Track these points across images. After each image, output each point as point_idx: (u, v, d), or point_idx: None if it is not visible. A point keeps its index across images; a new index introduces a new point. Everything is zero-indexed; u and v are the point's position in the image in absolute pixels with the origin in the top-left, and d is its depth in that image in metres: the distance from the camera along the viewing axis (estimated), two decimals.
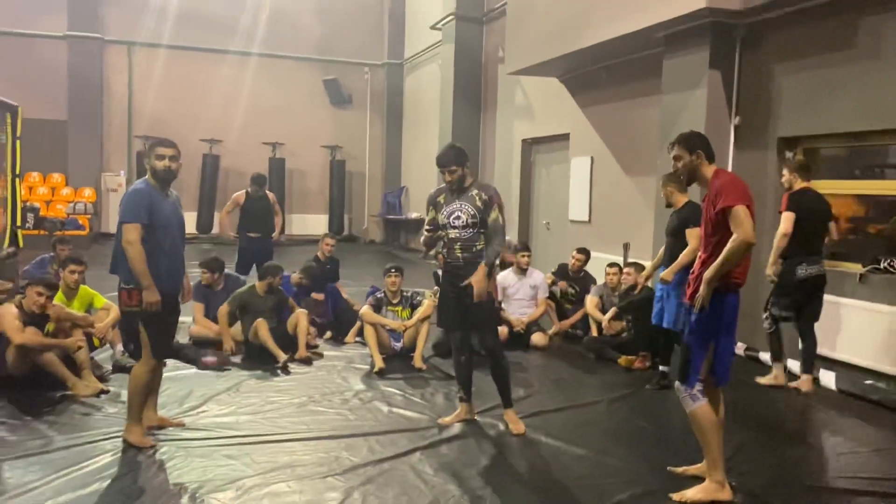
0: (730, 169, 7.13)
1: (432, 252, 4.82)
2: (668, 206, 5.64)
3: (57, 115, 15.66)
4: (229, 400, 5.08)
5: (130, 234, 3.94)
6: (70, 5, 16.08)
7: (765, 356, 6.53)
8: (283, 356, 6.02)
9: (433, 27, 14.52)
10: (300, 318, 6.44)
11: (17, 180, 8.97)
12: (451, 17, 13.64)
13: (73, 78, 16.03)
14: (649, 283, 6.63)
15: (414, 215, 16.83)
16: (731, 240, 3.39)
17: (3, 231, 8.92)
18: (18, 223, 9.05)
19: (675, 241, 5.46)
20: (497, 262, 4.63)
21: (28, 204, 12.77)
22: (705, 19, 6.85)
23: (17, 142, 8.85)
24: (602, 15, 7.93)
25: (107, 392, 5.12)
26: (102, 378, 5.39)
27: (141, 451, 4.02)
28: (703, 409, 3.55)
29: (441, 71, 14.48)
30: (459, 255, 4.47)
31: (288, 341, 6.36)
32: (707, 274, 3.44)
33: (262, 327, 6.21)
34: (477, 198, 4.46)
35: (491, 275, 4.51)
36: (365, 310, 6.48)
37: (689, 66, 7.25)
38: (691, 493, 3.58)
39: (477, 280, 4.35)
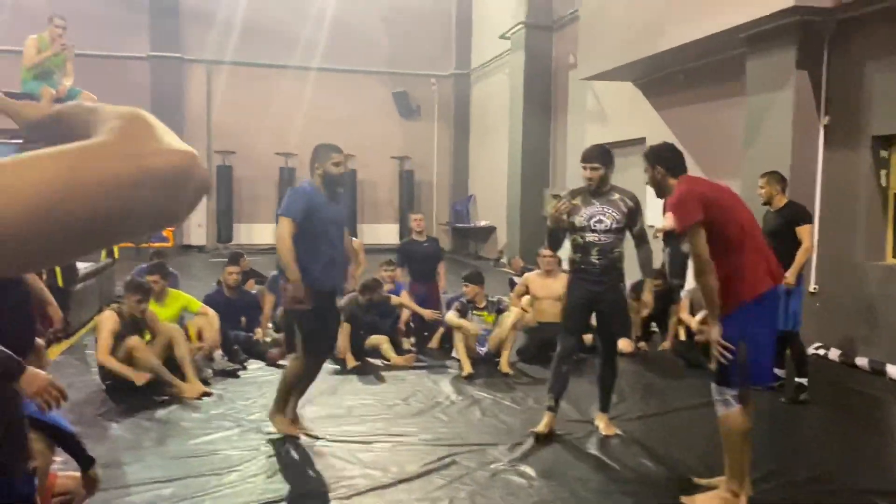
0: (819, 169, 6.98)
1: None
2: (766, 204, 5.54)
3: None
4: (326, 402, 5.22)
5: (282, 228, 4.14)
6: (152, 27, 16.79)
7: (861, 361, 6.35)
8: (353, 363, 6.19)
9: (502, 36, 14.60)
10: (381, 342, 6.62)
11: None
12: (520, 26, 13.71)
13: (155, 97, 16.69)
14: None
15: (482, 223, 16.89)
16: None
17: None
18: None
19: (779, 242, 5.36)
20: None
21: None
22: (792, 18, 6.72)
23: None
24: (681, 17, 7.86)
25: (209, 395, 5.33)
26: (205, 381, 5.61)
27: (254, 450, 4.19)
28: (734, 417, 3.43)
29: (510, 79, 14.54)
30: (596, 260, 4.36)
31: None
32: (710, 320, 3.41)
33: (343, 335, 6.35)
34: (621, 203, 4.39)
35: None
36: (450, 316, 6.57)
37: (774, 66, 7.12)
38: (701, 499, 3.50)
39: (646, 297, 4.43)
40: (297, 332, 4.33)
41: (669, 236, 4.63)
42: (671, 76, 9.36)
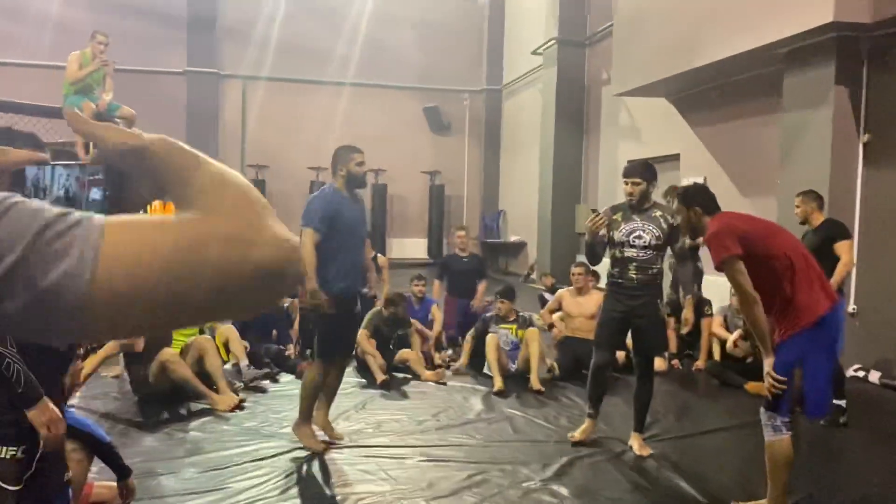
0: (859, 188, 6.85)
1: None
2: (803, 223, 5.44)
3: None
4: (357, 416, 5.22)
5: (305, 238, 4.15)
6: (189, 43, 17.11)
7: None
8: (381, 377, 6.12)
9: (535, 52, 14.62)
10: (410, 357, 6.58)
11: (149, 207, 9.54)
12: (553, 42, 13.71)
13: (191, 111, 16.98)
14: None
15: (513, 238, 16.85)
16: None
17: None
18: None
19: (819, 260, 5.23)
20: None
21: None
22: (831, 34, 6.63)
23: None
24: (718, 33, 7.80)
25: (243, 408, 5.34)
26: (236, 392, 5.64)
27: (284, 463, 4.20)
28: (782, 443, 3.34)
29: (542, 95, 14.53)
30: (634, 275, 4.34)
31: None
32: (763, 353, 3.36)
33: (365, 343, 6.33)
34: (662, 220, 4.36)
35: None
36: (460, 363, 6.69)
37: (812, 82, 7.02)
38: None
39: (687, 313, 4.44)
40: (314, 336, 4.34)
41: (688, 254, 4.63)
42: (706, 92, 9.27)
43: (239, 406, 5.34)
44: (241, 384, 5.94)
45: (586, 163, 13.78)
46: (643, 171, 4.43)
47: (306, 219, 4.22)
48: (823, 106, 6.89)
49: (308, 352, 4.36)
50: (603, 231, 4.40)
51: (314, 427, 4.53)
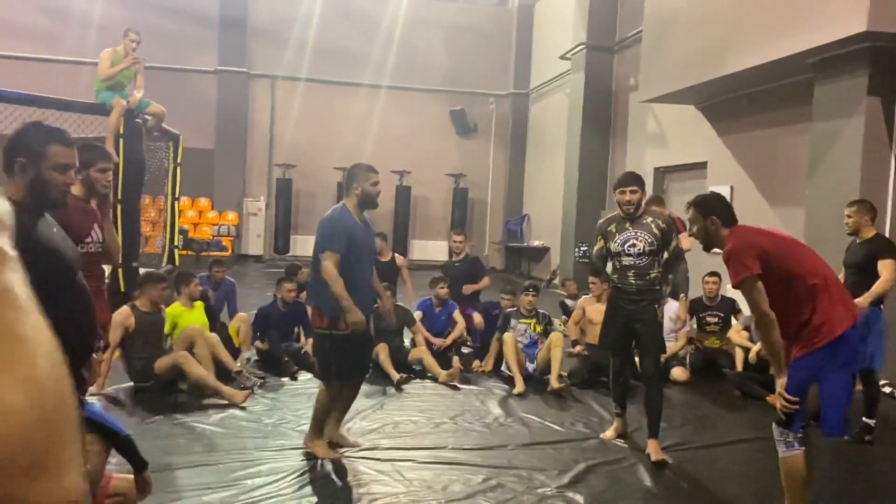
0: (889, 200, 6.73)
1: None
2: (852, 234, 5.34)
3: (205, 145, 16.78)
4: (374, 417, 5.24)
5: (330, 262, 4.08)
6: (220, 42, 17.31)
7: None
8: (396, 376, 6.14)
9: (563, 57, 14.57)
10: (423, 355, 6.55)
11: (176, 203, 9.67)
12: (581, 47, 13.65)
13: (221, 109, 17.18)
14: None
15: (536, 243, 16.79)
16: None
17: (162, 250, 9.63)
18: (175, 243, 9.73)
19: (861, 275, 5.13)
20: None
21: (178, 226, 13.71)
22: (863, 44, 6.53)
23: (178, 168, 9.56)
24: (747, 41, 7.71)
25: (243, 409, 5.31)
26: (252, 390, 5.68)
27: (299, 463, 4.22)
28: (795, 459, 3.28)
29: (569, 100, 14.48)
30: (633, 282, 4.53)
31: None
32: (776, 372, 3.33)
33: (382, 351, 6.34)
34: (653, 225, 4.52)
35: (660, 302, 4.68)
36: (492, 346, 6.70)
37: (843, 92, 6.91)
38: None
39: (681, 312, 4.55)
40: (330, 359, 4.23)
41: (681, 254, 4.77)
42: (734, 100, 9.18)
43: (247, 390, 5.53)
44: (258, 382, 5.97)
45: (612, 169, 13.69)
46: (637, 180, 4.59)
47: (329, 243, 4.10)
48: (854, 116, 6.78)
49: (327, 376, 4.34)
50: (601, 244, 4.66)
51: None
